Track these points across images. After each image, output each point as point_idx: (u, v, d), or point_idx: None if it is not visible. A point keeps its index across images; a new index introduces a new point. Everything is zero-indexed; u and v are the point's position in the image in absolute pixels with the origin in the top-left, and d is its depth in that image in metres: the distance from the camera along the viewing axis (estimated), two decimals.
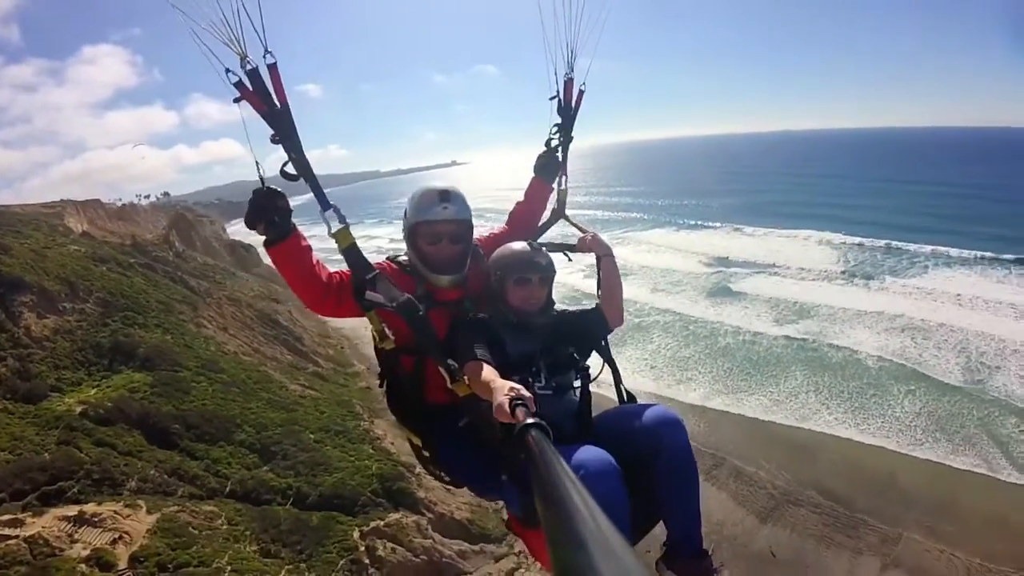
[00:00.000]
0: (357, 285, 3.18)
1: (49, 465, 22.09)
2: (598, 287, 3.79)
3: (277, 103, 2.93)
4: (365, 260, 3.25)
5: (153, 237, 59.70)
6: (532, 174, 4.30)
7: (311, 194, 3.13)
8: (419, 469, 27.30)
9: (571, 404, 3.39)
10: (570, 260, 4.07)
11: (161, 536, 19.79)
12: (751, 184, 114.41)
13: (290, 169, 3.02)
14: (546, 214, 4.41)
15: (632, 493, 2.76)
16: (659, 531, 3.18)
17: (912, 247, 53.41)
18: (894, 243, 55.06)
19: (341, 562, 20.83)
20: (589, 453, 2.72)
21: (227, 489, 24.17)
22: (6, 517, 19.08)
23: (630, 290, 50.29)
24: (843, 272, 50.34)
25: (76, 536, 19.12)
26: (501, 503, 3.41)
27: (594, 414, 3.43)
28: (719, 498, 24.73)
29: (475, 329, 3.30)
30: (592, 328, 3.69)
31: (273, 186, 3.00)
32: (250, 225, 3.01)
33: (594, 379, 3.51)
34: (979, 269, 46.78)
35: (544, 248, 3.63)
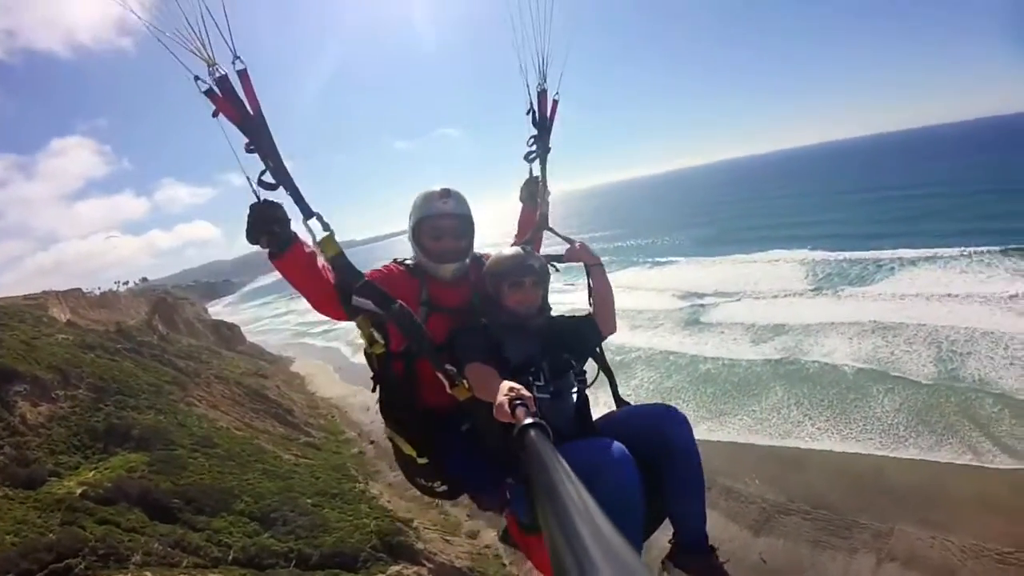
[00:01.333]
0: (342, 291, 3.17)
1: (55, 544, 22.55)
2: (589, 296, 3.91)
3: (250, 110, 2.88)
4: (353, 268, 3.21)
5: (136, 323, 60.40)
6: (520, 204, 4.47)
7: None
8: (416, 522, 28.06)
9: (569, 407, 3.44)
10: (557, 271, 4.06)
11: None
12: (711, 214, 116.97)
13: (268, 178, 2.98)
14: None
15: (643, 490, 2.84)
16: (659, 532, 3.31)
17: (874, 254, 54.75)
18: (856, 253, 56.35)
19: None
20: (606, 444, 2.80)
21: (230, 557, 24.61)
22: None
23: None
24: (812, 287, 51.38)
25: None
26: (501, 513, 3.48)
27: (594, 417, 3.55)
28: (711, 517, 24.59)
29: (474, 333, 3.38)
30: (586, 336, 3.78)
31: (269, 198, 3.01)
32: (252, 240, 3.00)
33: (590, 384, 3.62)
34: (941, 264, 48.12)
35: (537, 253, 3.80)
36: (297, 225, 3.13)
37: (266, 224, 2.99)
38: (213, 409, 41.12)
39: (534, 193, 4.42)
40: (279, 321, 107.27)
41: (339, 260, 3.13)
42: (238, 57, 2.74)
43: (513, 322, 3.51)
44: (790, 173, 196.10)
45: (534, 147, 4.34)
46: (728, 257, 68.38)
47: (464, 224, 3.73)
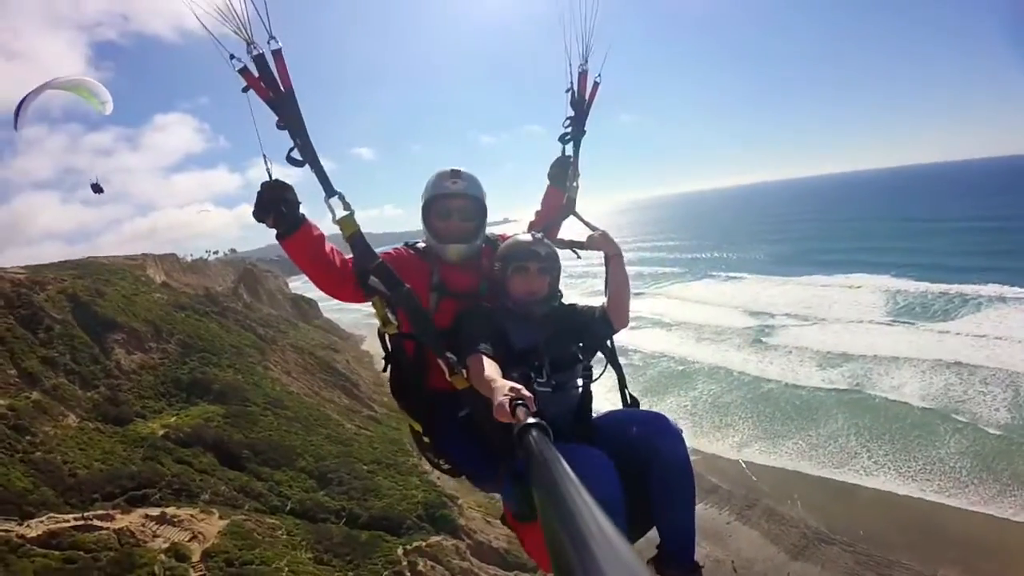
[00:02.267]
0: (360, 271, 3.19)
1: (136, 475, 25.13)
2: (606, 286, 3.73)
3: (283, 88, 2.95)
4: (370, 248, 3.24)
5: (223, 289, 64.61)
6: (547, 182, 4.37)
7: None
8: (461, 501, 29.36)
9: (571, 402, 3.38)
10: (579, 257, 4.00)
11: (230, 538, 22.29)
12: (783, 232, 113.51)
13: (296, 155, 3.02)
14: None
15: (629, 496, 2.82)
16: (652, 532, 3.27)
17: (960, 287, 51.58)
18: (941, 285, 53.33)
19: (385, 573, 22.74)
20: (586, 455, 2.77)
21: (287, 507, 26.61)
22: (99, 512, 21.99)
23: (673, 340, 52.28)
24: (890, 317, 49.40)
25: (157, 532, 21.79)
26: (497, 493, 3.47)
27: (595, 414, 3.49)
28: (750, 536, 25.31)
29: (479, 320, 3.32)
30: (596, 327, 3.62)
31: (280, 179, 3.06)
32: (259, 218, 3.08)
33: (596, 379, 3.50)
34: None
35: (547, 240, 3.66)
36: (310, 209, 3.27)
37: (274, 203, 3.03)
38: (286, 375, 43.80)
39: (563, 174, 4.24)
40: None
41: (357, 240, 3.17)
42: (274, 37, 2.84)
43: (518, 309, 3.44)
44: (869, 196, 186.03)
45: (569, 128, 4.20)
46: (803, 278, 66.45)
47: (474, 205, 3.65)
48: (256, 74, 2.87)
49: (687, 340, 51.47)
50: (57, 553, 20.10)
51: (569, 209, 4.21)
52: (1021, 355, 36.29)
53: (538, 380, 3.21)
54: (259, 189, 3.04)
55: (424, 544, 24.72)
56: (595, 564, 0.75)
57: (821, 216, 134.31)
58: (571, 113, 4.19)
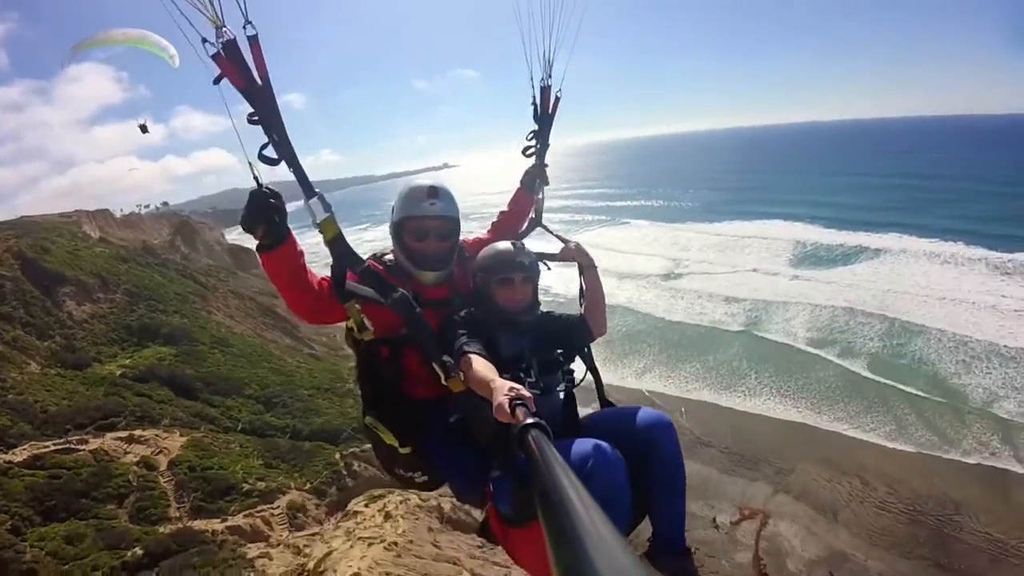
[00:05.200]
0: (338, 274, 3.01)
1: (101, 407, 28.84)
2: (580, 297, 3.78)
3: (258, 79, 2.68)
4: (354, 252, 3.09)
5: (160, 242, 66.37)
6: (519, 184, 4.37)
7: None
8: None
9: (557, 405, 3.41)
10: (549, 269, 3.87)
11: (191, 450, 26.47)
12: (715, 180, 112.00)
13: (270, 152, 2.77)
14: (524, 224, 4.41)
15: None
16: (643, 527, 3.37)
17: (864, 236, 54.19)
18: (846, 232, 56.01)
19: (325, 472, 27.19)
20: (599, 444, 2.75)
21: (239, 427, 30.78)
22: (75, 437, 25.86)
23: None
24: (792, 265, 51.88)
25: (127, 450, 25.81)
26: (482, 507, 3.43)
27: (581, 414, 3.55)
28: None
29: (468, 325, 3.28)
30: (575, 335, 3.69)
31: (271, 186, 2.83)
32: (248, 228, 2.89)
33: (579, 383, 3.55)
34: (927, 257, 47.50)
35: (526, 247, 3.62)
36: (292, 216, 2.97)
37: (267, 212, 2.82)
38: (229, 319, 47.33)
39: (532, 178, 4.34)
40: None
41: (339, 243, 3.00)
42: (250, 22, 2.58)
43: (503, 318, 3.43)
44: (802, 148, 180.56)
45: (533, 141, 4.29)
46: (724, 224, 67.60)
47: (450, 226, 3.55)
48: (228, 61, 2.63)
49: (607, 281, 54.52)
50: (43, 472, 23.95)
51: (537, 221, 4.34)
52: (904, 303, 39.19)
53: (528, 381, 3.15)
54: (249, 197, 2.82)
55: (359, 449, 29.12)
56: (595, 565, 0.77)
57: (754, 167, 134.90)
58: (534, 127, 4.30)
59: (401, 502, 15.04)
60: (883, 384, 30.29)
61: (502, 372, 2.89)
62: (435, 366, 2.98)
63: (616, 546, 0.81)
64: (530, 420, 1.87)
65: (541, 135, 4.31)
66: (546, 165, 4.40)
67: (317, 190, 2.94)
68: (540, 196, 4.35)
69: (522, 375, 3.18)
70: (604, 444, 2.75)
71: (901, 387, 29.69)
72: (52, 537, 21.37)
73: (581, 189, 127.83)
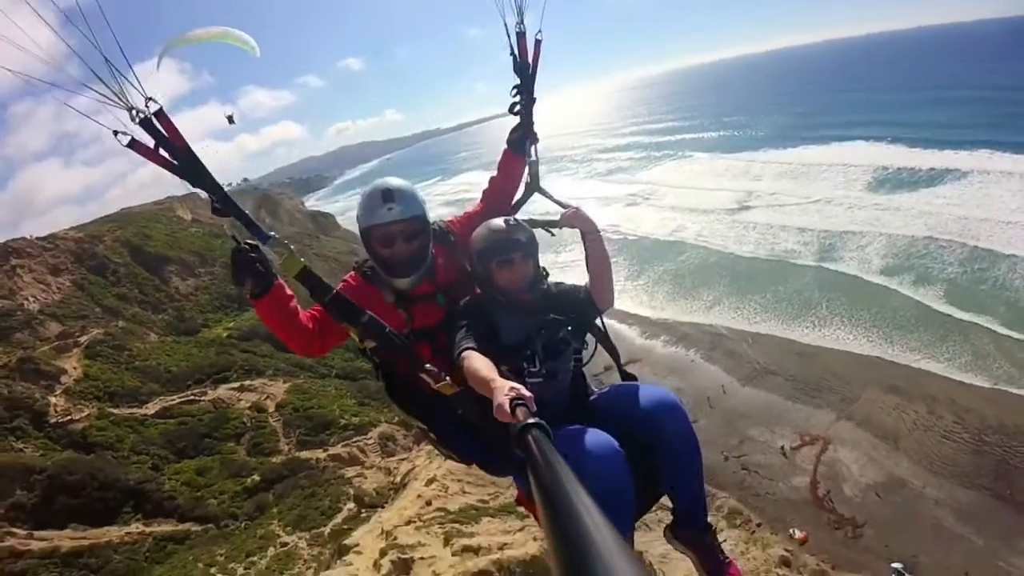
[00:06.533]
0: (333, 307, 3.01)
1: (215, 364, 33.09)
2: (587, 266, 3.43)
3: (179, 147, 2.71)
4: (321, 281, 3.06)
5: (247, 213, 71.16)
6: (505, 146, 3.83)
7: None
8: None
9: (564, 386, 3.23)
10: (552, 236, 3.67)
11: (294, 394, 30.44)
12: (785, 104, 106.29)
13: (219, 206, 2.85)
14: (520, 190, 3.95)
15: (637, 468, 2.78)
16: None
17: (951, 154, 51.60)
18: (931, 151, 53.65)
19: None
20: (593, 437, 2.72)
21: (333, 373, 34.43)
22: (196, 391, 30.04)
23: (665, 217, 55.57)
24: (870, 190, 50.33)
25: (240, 397, 29.89)
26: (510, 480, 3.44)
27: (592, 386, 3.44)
28: (711, 370, 30.39)
29: (468, 316, 3.17)
30: (583, 310, 3.41)
31: (250, 241, 2.86)
32: (238, 283, 2.92)
33: (587, 362, 3.36)
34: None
35: (521, 222, 3.37)
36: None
37: (251, 266, 2.84)
38: None
39: (522, 139, 3.76)
40: None
41: (307, 277, 3.00)
42: (151, 98, 2.59)
43: (508, 298, 3.22)
44: (876, 62, 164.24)
45: (517, 97, 3.72)
46: (799, 148, 66.12)
47: (415, 225, 3.28)
48: (149, 140, 2.63)
49: (677, 216, 54.48)
50: (172, 420, 28.28)
51: (534, 187, 3.91)
52: (986, 229, 37.58)
53: (531, 369, 2.99)
54: (231, 255, 2.83)
55: None
56: (595, 569, 0.76)
57: (831, 85, 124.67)
58: (516, 80, 3.70)
59: None
60: (960, 315, 29.71)
61: (506, 361, 2.93)
62: (422, 375, 2.96)
63: (616, 550, 0.80)
64: (530, 420, 1.79)
65: (525, 88, 3.72)
66: (533, 122, 3.80)
67: (271, 232, 2.97)
68: (534, 158, 3.81)
69: (526, 364, 3.02)
70: (604, 438, 2.72)
71: (978, 318, 29.03)
72: (185, 471, 25.75)
73: (648, 124, 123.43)
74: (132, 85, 2.55)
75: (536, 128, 3.76)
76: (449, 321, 3.19)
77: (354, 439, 27.67)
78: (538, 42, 3.66)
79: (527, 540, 13.76)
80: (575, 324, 3.28)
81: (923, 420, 23.77)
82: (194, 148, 2.70)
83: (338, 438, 27.76)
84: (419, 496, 19.34)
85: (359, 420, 29.00)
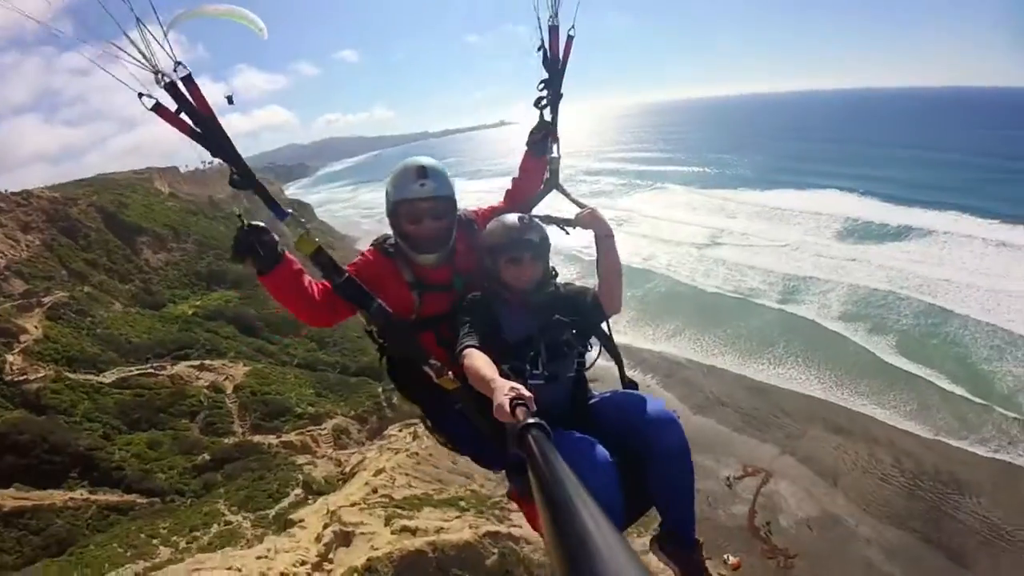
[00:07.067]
0: (344, 290, 2.95)
1: (177, 339, 33.15)
2: (597, 268, 3.37)
3: (204, 114, 2.67)
4: (334, 263, 2.96)
5: (225, 196, 70.74)
6: (525, 147, 3.80)
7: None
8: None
9: (565, 389, 3.21)
10: (568, 234, 3.61)
11: (253, 378, 30.57)
12: (767, 147, 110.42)
13: (238, 179, 2.81)
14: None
15: (628, 479, 2.81)
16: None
17: (919, 212, 53.64)
18: (901, 207, 55.61)
19: (368, 403, 30.70)
20: (585, 445, 2.74)
21: (294, 362, 34.70)
22: (155, 364, 30.09)
23: (639, 245, 54.59)
24: (839, 238, 51.86)
25: (199, 376, 29.99)
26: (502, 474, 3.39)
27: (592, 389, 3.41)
28: (665, 396, 29.88)
29: (473, 312, 3.12)
30: (589, 313, 3.34)
31: (255, 222, 2.85)
32: (237, 260, 2.88)
33: (590, 367, 3.34)
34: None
35: (536, 221, 3.34)
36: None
37: (249, 248, 2.81)
38: None
39: (543, 140, 3.71)
40: (345, 204, 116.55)
41: (318, 258, 2.89)
42: (180, 63, 2.55)
43: (514, 297, 3.19)
44: (870, 116, 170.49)
45: (544, 91, 3.66)
46: (774, 191, 67.64)
47: (444, 205, 3.27)
48: (172, 106, 2.59)
49: (648, 245, 54.80)
50: (128, 391, 28.27)
51: (553, 183, 3.84)
52: (943, 288, 38.91)
53: (533, 371, 3.02)
54: (235, 234, 2.80)
55: None
56: (595, 568, 0.77)
57: (816, 133, 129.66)
58: (545, 75, 3.65)
59: None
60: (909, 366, 30.71)
61: (508, 359, 2.93)
62: (424, 368, 2.91)
63: (616, 548, 0.80)
64: (530, 420, 1.75)
65: (552, 84, 3.68)
66: (553, 122, 3.74)
67: (289, 210, 2.94)
68: (556, 155, 3.78)
69: (528, 365, 3.03)
70: (596, 448, 2.73)
71: (926, 371, 30.02)
72: (136, 443, 25.85)
73: (636, 152, 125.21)
74: (162, 48, 2.53)
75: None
76: (454, 315, 3.15)
77: (308, 428, 28.01)
78: (570, 38, 3.64)
79: (463, 527, 14.50)
80: (580, 327, 3.26)
81: (863, 461, 24.86)
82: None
83: (292, 426, 28.08)
84: (366, 484, 19.98)
85: (315, 410, 29.33)
